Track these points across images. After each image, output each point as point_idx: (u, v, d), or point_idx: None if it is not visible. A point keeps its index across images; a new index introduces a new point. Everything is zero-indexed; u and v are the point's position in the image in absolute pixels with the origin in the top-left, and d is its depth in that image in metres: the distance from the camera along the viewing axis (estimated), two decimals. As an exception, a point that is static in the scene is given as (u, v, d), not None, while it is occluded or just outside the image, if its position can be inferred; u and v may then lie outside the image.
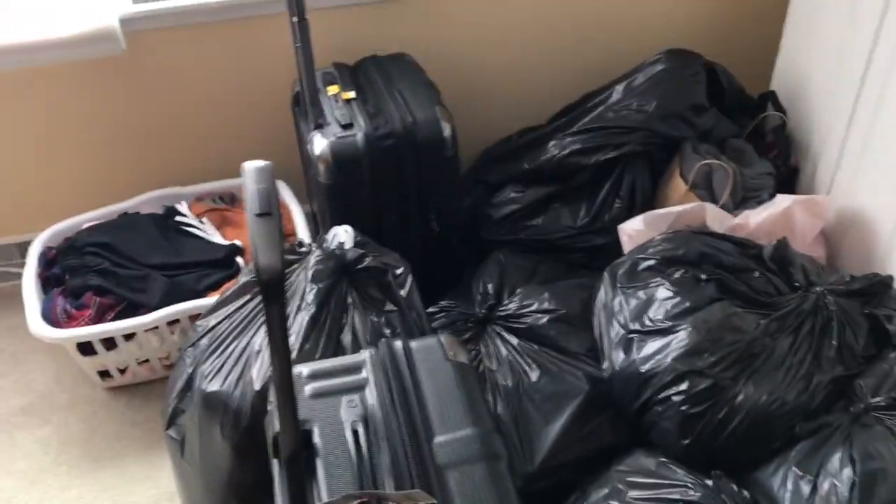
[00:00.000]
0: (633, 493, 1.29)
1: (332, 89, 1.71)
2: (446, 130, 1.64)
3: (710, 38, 2.01)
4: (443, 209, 1.73)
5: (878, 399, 1.25)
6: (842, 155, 1.67)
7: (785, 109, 1.85)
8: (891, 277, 1.40)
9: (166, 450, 1.48)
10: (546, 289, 1.57)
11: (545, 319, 1.51)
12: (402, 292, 1.48)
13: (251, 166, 0.69)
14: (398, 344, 1.07)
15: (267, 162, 0.70)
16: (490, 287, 1.63)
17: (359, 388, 1.02)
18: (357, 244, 1.50)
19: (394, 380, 1.01)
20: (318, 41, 1.58)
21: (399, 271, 1.50)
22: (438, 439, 0.95)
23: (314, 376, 1.04)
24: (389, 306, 1.46)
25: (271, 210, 0.65)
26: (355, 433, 0.95)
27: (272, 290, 0.61)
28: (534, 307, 1.53)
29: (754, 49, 2.00)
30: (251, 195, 0.66)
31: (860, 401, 1.27)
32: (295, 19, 1.53)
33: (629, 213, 1.76)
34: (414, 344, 1.08)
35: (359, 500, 0.81)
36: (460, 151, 1.74)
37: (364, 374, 1.04)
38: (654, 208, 1.81)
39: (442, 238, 1.75)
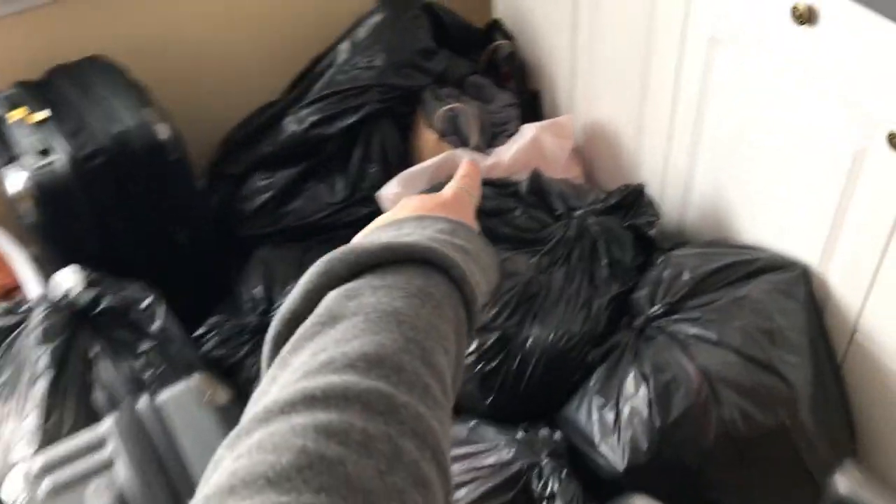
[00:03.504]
0: (453, 468, 1.23)
1: (18, 113, 1.46)
2: (163, 133, 1.46)
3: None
4: (185, 218, 1.55)
5: (655, 308, 1.26)
6: (573, 73, 1.67)
7: (512, 36, 1.83)
8: (641, 185, 1.42)
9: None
10: (315, 278, 1.46)
11: (321, 311, 1.40)
12: (155, 325, 1.31)
13: None
14: (142, 403, 0.92)
15: None
16: (257, 291, 1.50)
17: (105, 467, 0.87)
18: (90, 283, 1.31)
19: (145, 447, 0.87)
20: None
21: (147, 303, 1.33)
22: (209, 501, 0.82)
23: (49, 468, 0.87)
24: (145, 345, 1.29)
25: None
26: (108, 526, 0.80)
27: None
28: (306, 302, 1.42)
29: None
30: None
31: (640, 314, 1.28)
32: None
33: (387, 175, 1.67)
34: (162, 397, 0.93)
35: None
36: (196, 146, 1.57)
37: (109, 447, 0.88)
38: (410, 164, 1.74)
39: (194, 249, 1.59)
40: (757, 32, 1.18)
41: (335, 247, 1.56)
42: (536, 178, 1.42)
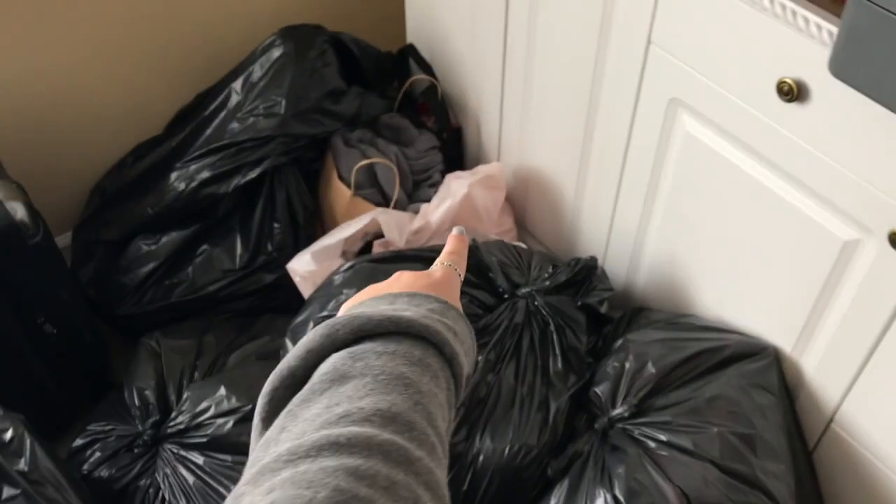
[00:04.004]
0: None
1: None
2: (18, 212, 1.19)
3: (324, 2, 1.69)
4: (53, 305, 1.29)
5: (619, 411, 1.11)
6: (503, 110, 1.49)
7: (430, 64, 1.62)
8: (593, 259, 1.26)
9: None
10: (220, 380, 1.23)
11: (230, 423, 1.19)
12: (21, 465, 1.06)
13: None
14: None
15: None
16: (149, 394, 1.26)
17: None
18: (-68, 418, 1.05)
19: None
20: None
21: (8, 436, 1.07)
22: None
23: None
24: (8, 491, 1.04)
25: None
26: None
27: None
28: (211, 412, 1.19)
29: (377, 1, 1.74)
30: None
31: (602, 413, 1.13)
32: None
33: (295, 236, 1.46)
34: None
35: None
36: (62, 201, 1.30)
37: None
38: (322, 218, 1.53)
39: (66, 338, 1.32)
40: (731, 102, 1.02)
41: (238, 323, 1.33)
42: (474, 253, 1.23)
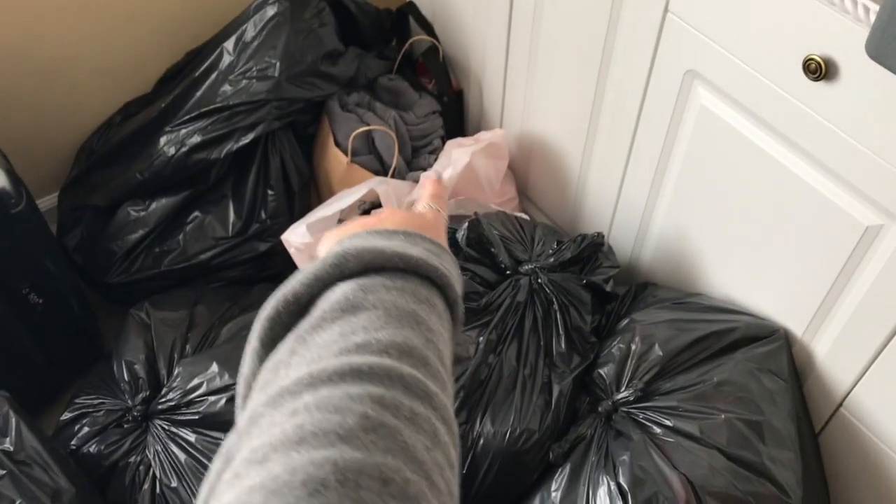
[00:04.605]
0: None
1: None
2: (-1, 180, 1.13)
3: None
4: (37, 274, 1.24)
5: (624, 394, 1.08)
6: (507, 73, 1.42)
7: (431, 23, 1.55)
8: (600, 235, 1.21)
9: None
10: (212, 355, 1.19)
11: (223, 401, 1.15)
12: (6, 443, 1.03)
13: None
14: None
15: None
16: (138, 368, 1.22)
17: None
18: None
19: None
20: None
21: (-8, 414, 1.04)
22: None
23: None
24: (-7, 472, 1.01)
25: None
26: None
27: None
28: (202, 389, 1.16)
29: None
30: None
31: (606, 396, 1.10)
32: None
33: (289, 203, 1.41)
34: None
35: None
36: (46, 161, 1.24)
37: None
38: (317, 185, 1.48)
39: (52, 308, 1.28)
40: (752, 77, 0.97)
41: (231, 292, 1.29)
42: (476, 226, 1.19)
